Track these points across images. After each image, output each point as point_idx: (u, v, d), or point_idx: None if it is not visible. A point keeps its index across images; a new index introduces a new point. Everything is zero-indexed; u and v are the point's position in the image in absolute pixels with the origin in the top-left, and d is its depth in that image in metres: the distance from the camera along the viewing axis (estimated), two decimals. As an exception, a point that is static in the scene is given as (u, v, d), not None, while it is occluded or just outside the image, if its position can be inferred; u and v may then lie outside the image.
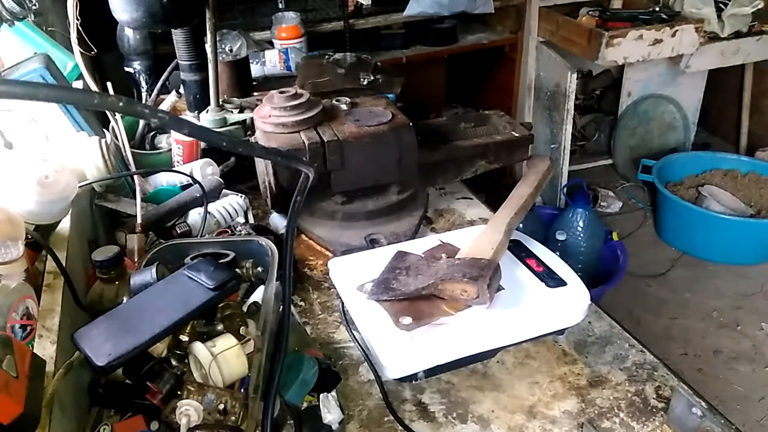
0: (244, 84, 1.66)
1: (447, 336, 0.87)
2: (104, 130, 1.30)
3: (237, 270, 0.93)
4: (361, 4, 2.57)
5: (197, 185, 1.21)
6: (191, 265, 0.87)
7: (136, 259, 1.07)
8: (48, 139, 1.18)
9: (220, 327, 0.83)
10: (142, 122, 1.47)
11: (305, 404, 0.85)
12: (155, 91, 1.60)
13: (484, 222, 1.25)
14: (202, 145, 1.38)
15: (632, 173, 3.36)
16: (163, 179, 1.31)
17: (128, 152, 1.28)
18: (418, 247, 1.05)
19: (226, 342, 0.80)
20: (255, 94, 1.64)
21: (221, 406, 0.75)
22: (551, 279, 0.96)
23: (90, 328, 0.78)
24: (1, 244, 0.82)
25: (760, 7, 2.84)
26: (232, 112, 1.45)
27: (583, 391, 0.92)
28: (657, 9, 2.83)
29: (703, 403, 0.83)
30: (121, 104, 0.54)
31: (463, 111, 3.33)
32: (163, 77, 1.59)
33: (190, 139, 1.33)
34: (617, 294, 2.59)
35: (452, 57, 3.07)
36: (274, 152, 1.06)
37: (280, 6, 2.59)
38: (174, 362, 0.80)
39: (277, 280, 0.86)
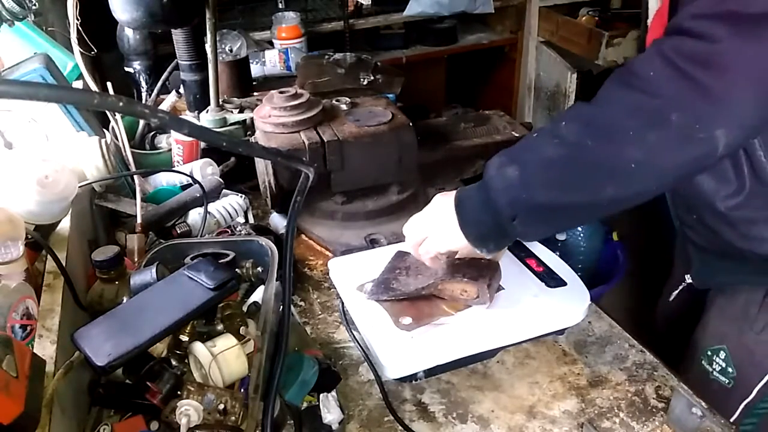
0: (244, 84, 1.66)
1: (447, 336, 0.87)
2: (104, 130, 1.30)
3: (237, 270, 0.93)
4: (361, 4, 2.57)
5: (197, 185, 1.21)
6: (191, 265, 0.87)
7: (136, 259, 1.06)
8: (48, 139, 1.18)
9: (220, 327, 0.83)
10: (142, 122, 1.47)
11: (305, 404, 0.85)
12: (155, 91, 1.60)
13: (484, 222, 1.25)
14: (202, 145, 1.38)
15: (632, 173, 3.35)
16: (163, 179, 1.31)
17: (128, 152, 1.28)
18: (418, 247, 1.05)
19: (226, 342, 0.80)
20: (255, 94, 1.64)
21: (221, 406, 0.75)
22: (551, 279, 0.96)
23: (90, 328, 0.78)
24: (1, 244, 0.82)
25: (760, 7, 2.84)
26: (232, 112, 1.45)
27: (583, 391, 0.92)
28: (657, 9, 2.83)
29: (703, 403, 0.83)
30: (121, 104, 0.54)
31: (463, 111, 3.32)
32: (163, 77, 1.58)
33: (190, 139, 1.33)
34: (617, 294, 2.59)
35: (452, 57, 3.07)
36: (274, 152, 1.06)
37: (280, 6, 2.59)
38: (174, 362, 0.80)
39: (277, 280, 0.86)
